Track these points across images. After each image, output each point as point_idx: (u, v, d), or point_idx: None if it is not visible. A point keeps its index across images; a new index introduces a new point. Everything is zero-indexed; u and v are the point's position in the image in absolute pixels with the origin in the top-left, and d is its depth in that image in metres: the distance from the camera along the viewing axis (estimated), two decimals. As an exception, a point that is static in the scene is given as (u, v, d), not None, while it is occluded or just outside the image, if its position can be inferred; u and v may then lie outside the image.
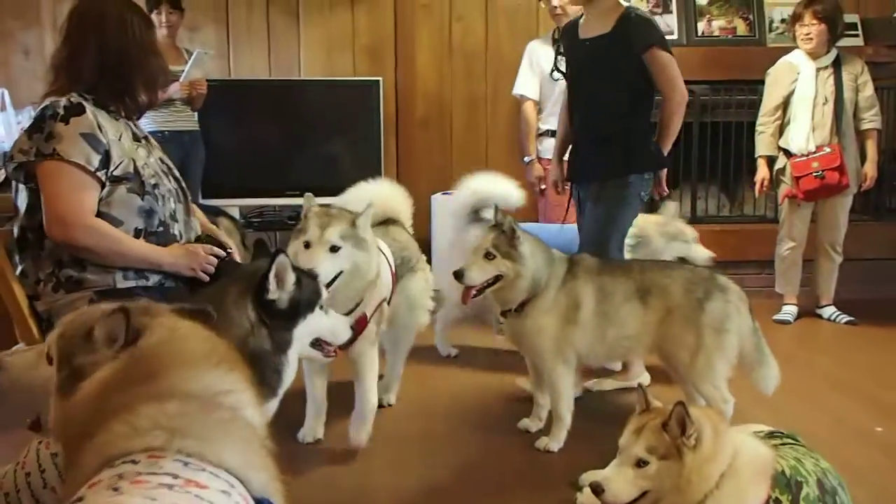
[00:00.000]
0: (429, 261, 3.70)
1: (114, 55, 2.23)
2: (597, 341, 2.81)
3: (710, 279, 2.78)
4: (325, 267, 2.41)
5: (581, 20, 3.37)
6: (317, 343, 1.93)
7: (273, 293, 1.78)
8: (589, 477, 1.96)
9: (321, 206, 2.62)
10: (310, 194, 2.63)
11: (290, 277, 1.82)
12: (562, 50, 3.68)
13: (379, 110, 5.09)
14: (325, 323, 1.93)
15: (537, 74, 4.53)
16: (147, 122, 4.33)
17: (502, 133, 5.40)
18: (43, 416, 1.40)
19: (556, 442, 2.84)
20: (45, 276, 2.18)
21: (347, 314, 2.46)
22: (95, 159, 2.12)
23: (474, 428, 3.07)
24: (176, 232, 2.30)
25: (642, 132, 3.32)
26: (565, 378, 2.83)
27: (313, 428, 2.86)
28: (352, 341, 2.57)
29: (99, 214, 2.15)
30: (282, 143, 5.03)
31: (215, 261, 2.23)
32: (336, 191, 3.30)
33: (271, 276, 1.78)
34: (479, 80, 5.42)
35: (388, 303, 2.91)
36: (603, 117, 3.31)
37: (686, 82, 3.28)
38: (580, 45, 3.35)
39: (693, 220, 5.51)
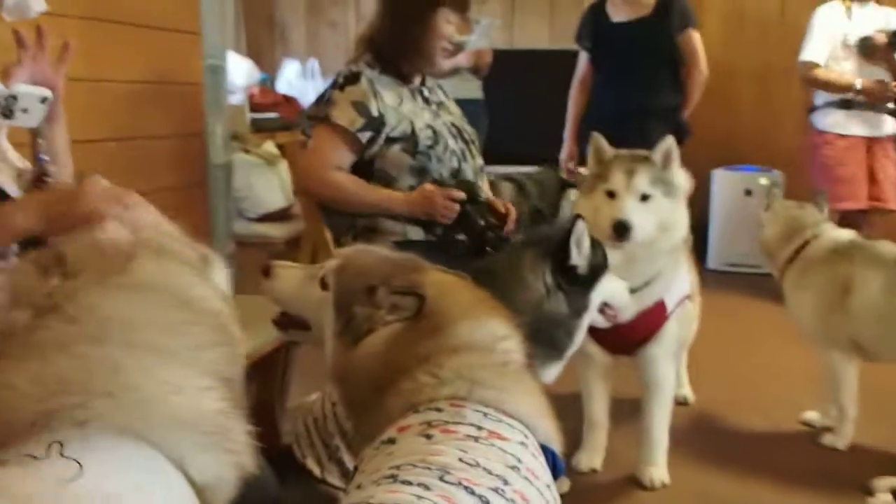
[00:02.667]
0: (704, 239, 3.57)
1: (395, 31, 2.42)
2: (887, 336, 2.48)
3: None
4: (640, 221, 2.13)
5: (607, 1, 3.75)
6: (601, 308, 1.94)
7: (575, 259, 1.81)
8: (886, 483, 1.79)
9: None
10: (596, 133, 2.30)
11: (587, 242, 1.85)
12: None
13: (662, 81, 4.95)
14: (613, 286, 1.94)
15: (828, 41, 4.12)
16: (437, 92, 4.55)
17: (796, 109, 5.03)
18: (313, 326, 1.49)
19: (841, 439, 2.63)
20: (346, 227, 2.41)
21: (641, 287, 2.21)
22: (359, 122, 2.32)
23: (750, 416, 2.92)
24: None
25: (679, 106, 3.79)
26: (841, 365, 2.58)
27: (591, 454, 2.50)
28: (642, 341, 2.35)
29: (375, 170, 2.36)
30: (561, 112, 5.06)
31: (455, 206, 2.27)
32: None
33: (573, 242, 1.81)
34: (772, 50, 5.08)
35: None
36: (646, 93, 3.68)
37: None
38: (615, 28, 3.69)
39: None
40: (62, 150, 1.54)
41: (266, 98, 4.61)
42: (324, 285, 1.41)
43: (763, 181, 4.82)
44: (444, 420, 1.13)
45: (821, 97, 4.10)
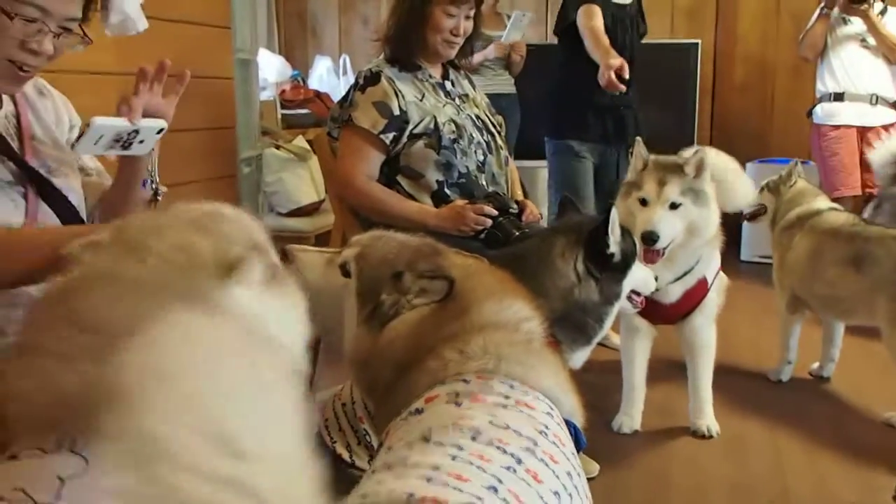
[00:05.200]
0: (738, 231, 3.54)
1: (397, 27, 2.44)
2: None
3: None
4: (665, 229, 2.29)
5: None
6: (628, 295, 1.93)
7: (613, 247, 1.80)
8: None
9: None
10: (639, 139, 2.47)
11: (618, 231, 1.83)
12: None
13: (696, 74, 4.92)
14: (641, 274, 1.93)
15: None
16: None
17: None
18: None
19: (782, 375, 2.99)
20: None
21: (682, 277, 2.42)
22: (381, 124, 2.34)
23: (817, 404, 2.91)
24: (484, 182, 2.43)
25: None
26: (785, 315, 2.99)
27: (631, 416, 2.64)
28: (687, 313, 2.52)
29: (401, 166, 2.39)
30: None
31: (486, 221, 2.28)
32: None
33: (610, 230, 1.79)
34: (808, 43, 5.01)
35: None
36: (633, 85, 3.34)
37: None
38: (619, 8, 3.34)
39: None
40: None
41: (297, 94, 4.64)
42: (344, 272, 1.41)
43: (799, 174, 4.76)
44: (472, 390, 1.15)
45: (818, 91, 4.22)
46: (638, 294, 1.96)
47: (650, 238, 2.26)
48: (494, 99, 4.63)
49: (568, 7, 3.40)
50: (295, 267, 1.48)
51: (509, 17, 4.62)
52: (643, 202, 2.34)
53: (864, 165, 4.05)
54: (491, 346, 1.22)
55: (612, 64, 3.00)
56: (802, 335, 3.06)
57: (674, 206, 2.32)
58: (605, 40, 3.18)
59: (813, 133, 4.27)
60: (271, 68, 4.70)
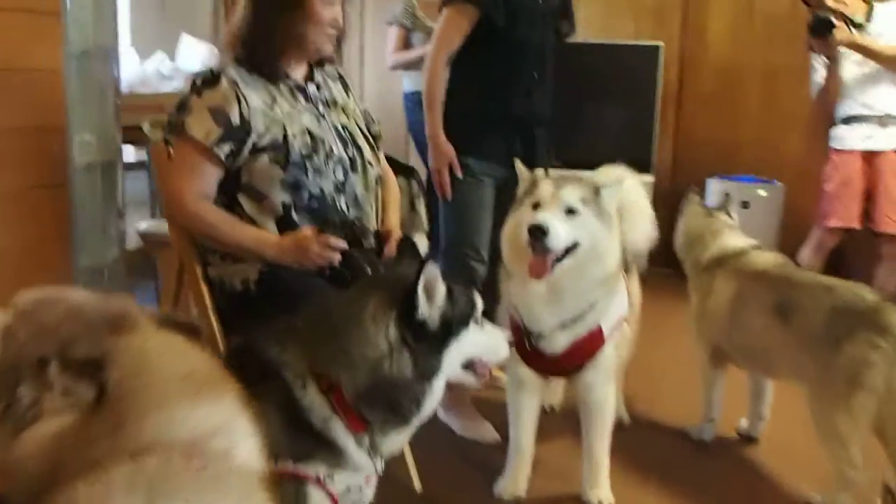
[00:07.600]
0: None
1: (266, 25, 2.05)
2: None
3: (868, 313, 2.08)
4: (558, 227, 1.98)
5: None
6: (469, 364, 1.58)
7: (423, 312, 1.45)
8: None
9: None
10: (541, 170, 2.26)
11: (441, 290, 1.48)
12: None
13: (656, 79, 4.57)
14: (481, 340, 1.58)
15: None
16: (408, 83, 4.26)
17: (806, 114, 4.58)
18: None
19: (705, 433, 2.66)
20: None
21: (574, 320, 2.11)
22: (215, 134, 1.96)
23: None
24: (343, 205, 2.08)
25: None
26: (706, 367, 2.65)
27: (515, 481, 2.32)
28: (580, 366, 2.20)
29: (243, 185, 2.02)
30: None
31: (333, 255, 1.94)
32: (599, 165, 2.61)
33: (419, 290, 1.44)
34: (781, 50, 4.63)
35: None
36: (548, 96, 2.79)
37: None
38: (531, 3, 2.65)
39: None
40: None
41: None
42: None
43: (762, 193, 4.39)
44: None
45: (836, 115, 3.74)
46: (482, 363, 1.61)
47: (539, 230, 1.95)
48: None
49: None
50: None
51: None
52: (536, 206, 2.04)
53: (874, 196, 3.57)
54: (140, 477, 0.93)
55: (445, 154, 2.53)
56: (735, 385, 2.69)
57: (571, 212, 2.01)
58: (439, 98, 2.57)
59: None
60: (196, 56, 4.35)
